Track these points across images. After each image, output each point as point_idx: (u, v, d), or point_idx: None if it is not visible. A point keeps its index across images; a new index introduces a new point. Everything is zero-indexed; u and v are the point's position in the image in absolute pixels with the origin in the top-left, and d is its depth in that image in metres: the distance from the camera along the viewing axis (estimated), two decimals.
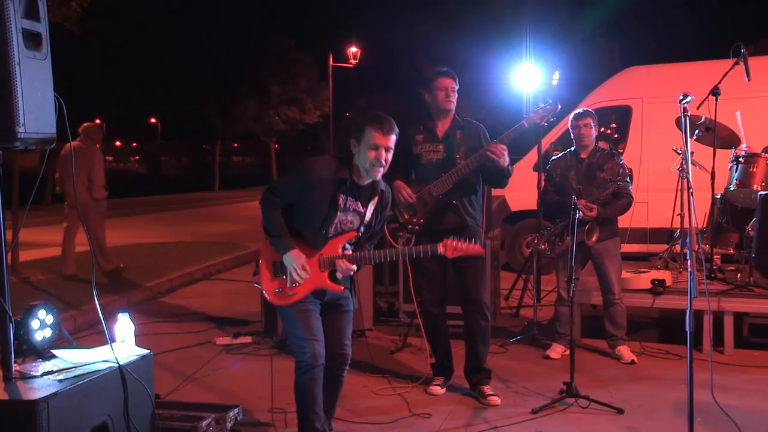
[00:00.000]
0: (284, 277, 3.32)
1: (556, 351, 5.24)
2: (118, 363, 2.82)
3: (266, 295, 3.36)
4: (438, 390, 4.48)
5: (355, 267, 3.34)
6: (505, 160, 4.15)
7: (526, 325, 6.09)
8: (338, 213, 3.33)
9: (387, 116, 3.33)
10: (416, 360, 5.15)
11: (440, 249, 3.35)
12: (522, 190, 8.04)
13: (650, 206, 7.73)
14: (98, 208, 8.21)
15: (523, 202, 8.54)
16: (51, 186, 12.62)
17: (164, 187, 27.72)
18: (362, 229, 3.41)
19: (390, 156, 3.32)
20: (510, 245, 9.02)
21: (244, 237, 12.18)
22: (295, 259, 3.26)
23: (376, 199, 3.42)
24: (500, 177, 4.31)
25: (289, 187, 3.35)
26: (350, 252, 3.36)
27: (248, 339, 5.68)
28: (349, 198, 3.36)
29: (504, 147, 4.14)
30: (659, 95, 8.28)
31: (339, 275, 3.33)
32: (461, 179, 4.28)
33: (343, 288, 3.39)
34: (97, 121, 10.87)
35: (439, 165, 4.35)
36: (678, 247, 6.18)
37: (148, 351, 3.10)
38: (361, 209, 3.40)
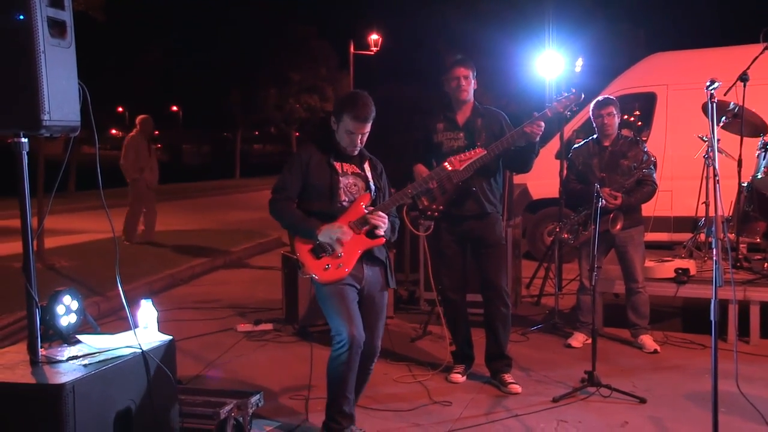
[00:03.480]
0: (327, 254, 3.37)
1: (578, 340, 5.21)
2: (141, 349, 2.85)
3: (317, 278, 3.36)
4: (459, 378, 4.48)
5: (386, 217, 3.43)
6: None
7: (548, 313, 6.06)
8: (340, 177, 3.45)
9: (365, 101, 3.40)
10: (437, 348, 5.15)
11: (448, 166, 3.63)
12: (544, 178, 7.96)
13: (674, 194, 7.62)
14: (137, 188, 9.67)
15: (545, 191, 8.47)
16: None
17: (186, 174, 27.86)
18: (373, 190, 3.52)
19: (365, 138, 3.47)
20: (531, 234, 8.96)
21: (265, 224, 12.16)
22: (329, 229, 3.34)
23: (367, 162, 3.57)
24: (529, 156, 4.27)
25: (290, 173, 3.48)
26: (373, 208, 3.47)
27: (269, 326, 5.72)
28: (343, 163, 3.50)
29: (542, 123, 4.09)
30: (685, 82, 8.14)
31: (379, 231, 3.41)
32: (482, 167, 4.24)
33: (384, 240, 3.46)
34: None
35: (460, 153, 4.31)
36: (702, 236, 6.10)
37: (171, 337, 3.12)
38: (359, 171, 3.53)
